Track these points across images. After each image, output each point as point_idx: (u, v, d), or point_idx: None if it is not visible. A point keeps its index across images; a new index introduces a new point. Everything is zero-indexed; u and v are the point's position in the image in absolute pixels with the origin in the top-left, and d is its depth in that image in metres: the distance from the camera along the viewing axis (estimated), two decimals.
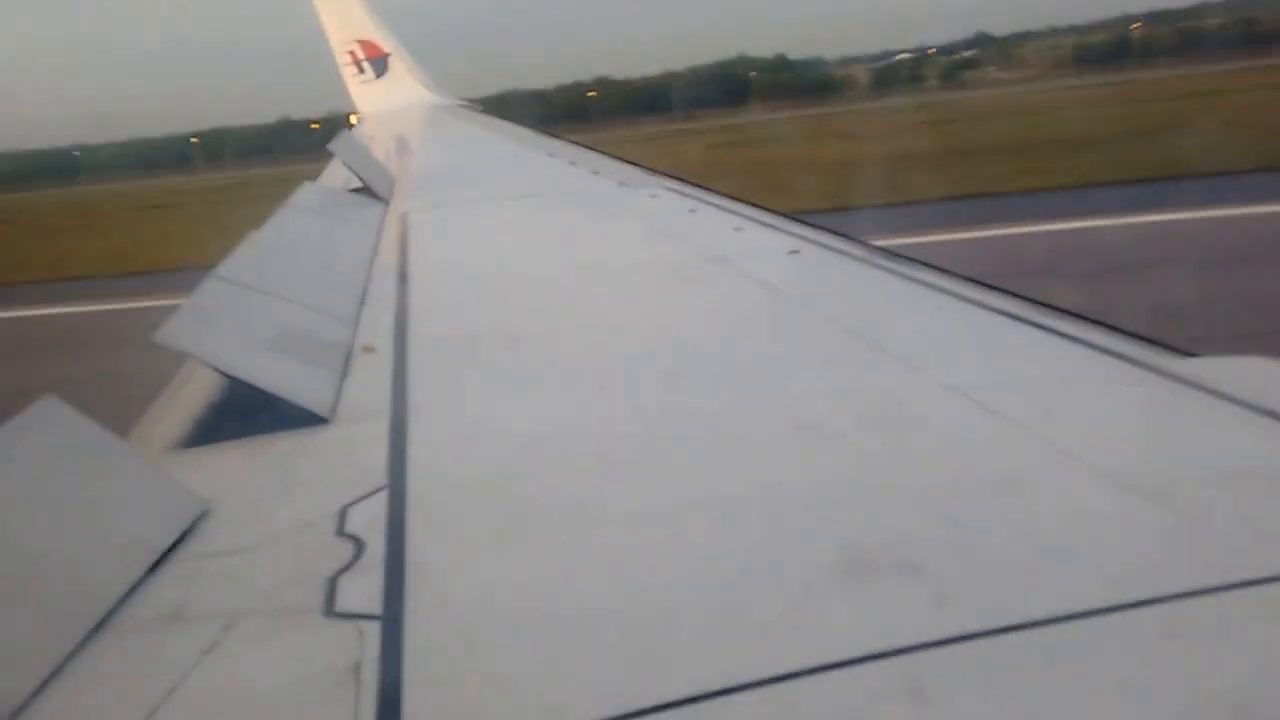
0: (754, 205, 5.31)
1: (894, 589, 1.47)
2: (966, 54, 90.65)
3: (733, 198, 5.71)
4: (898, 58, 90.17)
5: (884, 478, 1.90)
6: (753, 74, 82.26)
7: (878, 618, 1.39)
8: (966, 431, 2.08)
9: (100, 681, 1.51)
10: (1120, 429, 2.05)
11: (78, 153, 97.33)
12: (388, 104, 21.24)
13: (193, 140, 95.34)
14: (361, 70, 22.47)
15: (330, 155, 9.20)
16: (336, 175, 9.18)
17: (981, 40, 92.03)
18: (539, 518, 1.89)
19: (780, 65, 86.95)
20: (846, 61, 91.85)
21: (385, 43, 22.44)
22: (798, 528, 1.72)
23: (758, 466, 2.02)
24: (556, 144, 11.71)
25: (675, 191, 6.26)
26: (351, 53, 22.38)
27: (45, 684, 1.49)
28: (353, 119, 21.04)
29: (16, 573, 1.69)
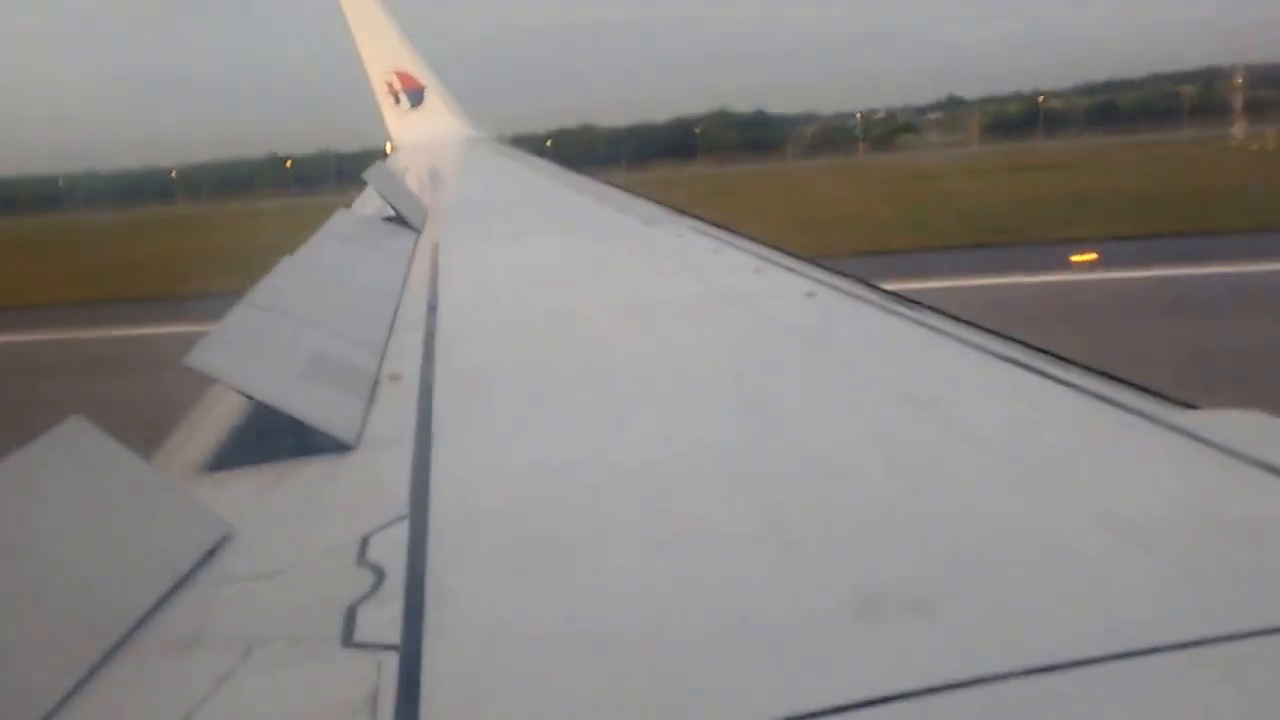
0: (774, 247, 5.39)
1: (902, 630, 1.49)
2: (932, 116, 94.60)
3: (754, 239, 5.78)
4: (875, 116, 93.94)
5: (892, 519, 1.94)
6: (698, 129, 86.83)
7: (886, 656, 1.43)
8: (972, 477, 2.12)
9: (117, 703, 1.52)
10: (1122, 480, 2.08)
11: (62, 182, 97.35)
12: (422, 135, 21.57)
13: (172, 173, 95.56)
14: (398, 101, 22.90)
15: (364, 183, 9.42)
16: (370, 204, 9.37)
17: (951, 103, 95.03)
18: (559, 549, 1.91)
19: (750, 120, 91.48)
20: (812, 119, 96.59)
21: (422, 75, 22.87)
22: (813, 563, 1.75)
23: (775, 501, 2.05)
24: (584, 181, 11.88)
25: (699, 231, 6.34)
26: (389, 84, 22.82)
27: (63, 703, 1.50)
28: (389, 149, 21.43)
29: (38, 590, 1.70)
